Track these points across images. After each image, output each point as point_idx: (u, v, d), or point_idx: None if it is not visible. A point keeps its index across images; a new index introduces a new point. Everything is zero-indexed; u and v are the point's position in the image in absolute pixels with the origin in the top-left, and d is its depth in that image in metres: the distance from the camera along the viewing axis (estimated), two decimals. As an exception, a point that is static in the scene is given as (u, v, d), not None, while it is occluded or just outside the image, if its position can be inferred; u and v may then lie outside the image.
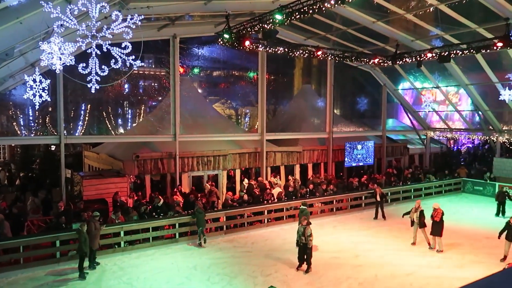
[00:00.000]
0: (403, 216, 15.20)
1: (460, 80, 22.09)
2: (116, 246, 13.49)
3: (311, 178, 21.30)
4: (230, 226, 15.86)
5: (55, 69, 8.85)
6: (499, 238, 12.71)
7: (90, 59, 8.81)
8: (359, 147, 23.63)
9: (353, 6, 16.51)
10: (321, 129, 24.07)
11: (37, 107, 11.85)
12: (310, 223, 12.16)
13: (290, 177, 20.84)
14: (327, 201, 18.69)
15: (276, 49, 17.13)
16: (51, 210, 15.80)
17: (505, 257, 12.55)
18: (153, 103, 20.82)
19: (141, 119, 20.82)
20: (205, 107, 21.41)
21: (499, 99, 20.28)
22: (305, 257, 11.88)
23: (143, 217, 14.46)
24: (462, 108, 24.98)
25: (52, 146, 23.64)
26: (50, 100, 12.76)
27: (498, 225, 16.10)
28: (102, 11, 8.40)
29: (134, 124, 20.75)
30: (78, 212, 14.14)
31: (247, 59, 21.66)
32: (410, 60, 18.89)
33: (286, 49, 17.35)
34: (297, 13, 12.41)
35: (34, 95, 10.55)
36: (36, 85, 10.59)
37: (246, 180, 19.82)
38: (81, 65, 8.83)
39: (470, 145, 31.60)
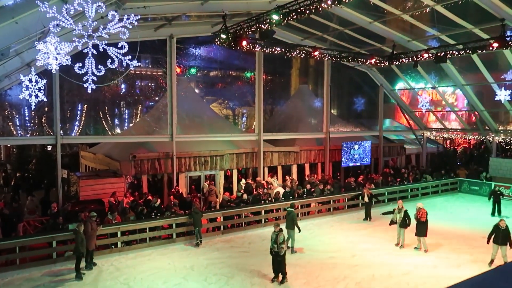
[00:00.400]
0: (382, 214, 15.34)
1: (456, 81, 22.19)
2: (113, 246, 13.45)
3: (306, 178, 21.32)
4: (227, 226, 15.85)
5: (51, 69, 8.83)
6: (488, 243, 12.30)
7: (86, 59, 8.81)
8: (356, 147, 23.69)
9: (350, 6, 16.55)
10: (318, 129, 24.10)
11: (33, 107, 11.84)
12: (282, 230, 11.29)
13: (287, 177, 20.85)
14: (324, 201, 18.70)
15: (273, 49, 17.15)
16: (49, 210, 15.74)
17: (492, 261, 12.19)
18: (150, 103, 20.80)
19: (138, 119, 20.78)
20: (202, 107, 21.39)
21: (495, 99, 20.42)
22: (279, 266, 11.09)
23: (140, 218, 14.43)
24: (459, 109, 25.07)
25: (48, 147, 23.55)
26: (46, 100, 12.72)
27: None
28: (99, 11, 8.39)
29: (131, 124, 20.70)
30: (66, 213, 14.02)
31: (244, 59, 21.67)
32: (407, 61, 18.96)
33: (283, 49, 17.38)
34: (294, 13, 12.43)
35: (30, 95, 10.50)
36: (32, 85, 10.55)
37: (243, 181, 19.82)
38: (77, 65, 8.82)
39: (466, 145, 31.74)
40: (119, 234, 13.43)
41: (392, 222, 14.37)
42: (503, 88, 20.01)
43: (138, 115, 20.92)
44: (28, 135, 17.42)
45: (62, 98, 16.84)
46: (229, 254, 13.49)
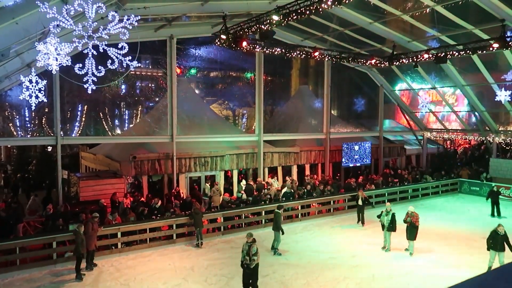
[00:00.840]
0: (378, 217, 14.62)
1: (456, 81, 22.18)
2: (113, 247, 13.45)
3: (306, 179, 21.29)
4: (227, 227, 15.85)
5: (52, 70, 8.83)
6: (488, 250, 11.67)
7: (86, 60, 8.80)
8: (356, 147, 23.69)
9: (350, 7, 16.56)
10: (318, 130, 24.10)
11: (33, 108, 11.79)
12: (255, 241, 10.40)
13: (287, 178, 20.84)
14: (324, 201, 18.69)
15: (273, 50, 17.15)
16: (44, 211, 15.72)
17: (489, 269, 11.15)
18: (150, 104, 20.81)
19: (138, 120, 20.79)
20: (202, 108, 21.39)
21: (495, 99, 20.40)
22: (251, 280, 10.25)
23: (140, 219, 14.42)
24: (459, 109, 25.08)
25: (48, 147, 23.57)
26: (46, 101, 12.71)
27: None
28: (99, 12, 8.39)
29: (131, 125, 20.72)
30: (60, 214, 14.01)
31: (244, 60, 21.68)
32: (407, 61, 18.96)
33: (283, 50, 17.38)
34: (294, 14, 12.42)
35: (30, 96, 10.49)
36: (32, 86, 10.54)
37: (244, 181, 19.83)
38: (77, 65, 8.82)
39: (467, 146, 31.73)
40: (119, 235, 13.43)
41: (383, 226, 13.96)
42: (503, 88, 20.00)
43: (138, 116, 20.93)
44: (28, 136, 17.43)
45: (62, 99, 16.87)
46: (229, 254, 13.48)
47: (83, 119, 18.60)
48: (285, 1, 12.70)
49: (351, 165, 23.69)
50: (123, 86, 19.78)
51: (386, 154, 26.50)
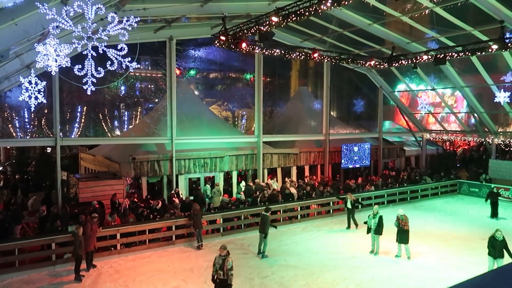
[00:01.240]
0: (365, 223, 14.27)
1: (455, 82, 22.20)
2: (112, 248, 13.43)
3: (306, 180, 21.27)
4: (226, 228, 15.83)
5: (51, 71, 8.84)
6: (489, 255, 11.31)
7: (86, 61, 8.80)
8: (356, 149, 23.71)
9: (349, 8, 16.59)
10: (317, 131, 24.11)
11: (32, 109, 11.83)
12: (229, 253, 9.51)
13: (287, 179, 20.84)
14: (324, 203, 18.69)
15: (272, 51, 17.17)
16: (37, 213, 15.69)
17: None
18: (150, 105, 20.82)
19: (137, 121, 20.80)
20: (201, 109, 21.40)
21: (494, 101, 20.43)
22: None
23: (140, 220, 14.41)
24: (458, 110, 25.10)
25: (48, 148, 23.54)
26: (45, 102, 12.69)
27: (493, 227, 16.15)
28: (98, 13, 8.39)
29: (130, 126, 20.72)
30: (53, 215, 13.97)
31: (244, 61, 21.70)
32: (406, 62, 18.97)
33: (282, 51, 17.39)
34: (293, 15, 12.43)
35: (30, 97, 10.50)
36: (32, 87, 10.54)
37: (243, 183, 19.82)
38: (77, 66, 8.82)
39: (466, 147, 31.76)
40: (118, 236, 13.41)
41: (368, 229, 13.74)
42: (502, 90, 20.02)
43: (138, 117, 20.94)
44: (27, 137, 17.43)
45: (62, 100, 16.86)
46: (229, 256, 13.45)
47: (83, 120, 18.60)
48: (284, 3, 12.73)
49: (350, 166, 23.71)
50: (122, 87, 19.80)
51: (385, 155, 26.51)
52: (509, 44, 14.73)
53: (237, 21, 16.43)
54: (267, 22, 13.33)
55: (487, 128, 23.94)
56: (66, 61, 8.77)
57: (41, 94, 10.63)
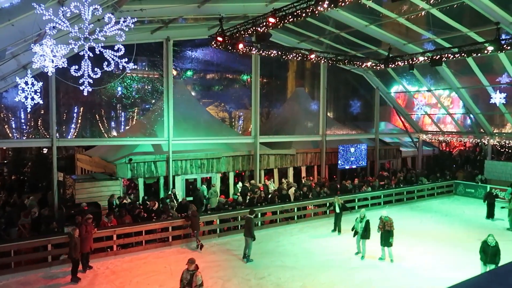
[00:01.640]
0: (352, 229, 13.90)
1: (451, 84, 22.31)
2: (109, 249, 13.38)
3: (302, 181, 21.31)
4: (223, 229, 15.82)
5: (47, 72, 8.82)
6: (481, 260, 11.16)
7: (82, 62, 8.79)
8: (352, 149, 23.77)
9: (346, 9, 16.64)
10: (314, 132, 24.15)
11: (29, 109, 11.75)
12: (198, 268, 8.62)
13: (283, 180, 20.87)
14: (321, 203, 18.71)
15: (269, 52, 17.19)
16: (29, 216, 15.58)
17: None
18: (146, 106, 20.80)
19: (134, 122, 20.77)
20: (198, 110, 21.39)
21: (490, 102, 20.53)
22: None
23: (136, 221, 14.37)
24: (454, 111, 25.21)
25: (44, 149, 23.45)
26: (42, 102, 12.67)
27: (490, 227, 16.28)
28: (95, 14, 8.40)
29: (127, 127, 20.69)
30: (44, 217, 13.87)
31: (241, 62, 21.74)
32: (403, 64, 19.05)
33: (279, 52, 17.42)
34: (290, 17, 12.46)
35: (26, 98, 10.47)
36: (28, 88, 10.52)
37: (240, 183, 19.82)
38: (73, 67, 8.80)
39: (462, 148, 31.91)
40: (114, 237, 13.37)
41: (356, 232, 13.46)
42: (498, 91, 20.12)
43: (134, 118, 20.92)
44: (24, 138, 17.38)
45: (58, 101, 16.81)
46: (226, 257, 13.46)
47: (79, 121, 18.57)
48: (281, 4, 12.74)
49: (347, 167, 23.77)
50: (119, 88, 19.76)
51: (382, 156, 26.60)
52: (504, 46, 14.82)
53: (234, 22, 16.45)
54: (264, 23, 13.35)
55: (483, 129, 24.06)
56: (63, 62, 8.76)
57: (38, 95, 10.61)
